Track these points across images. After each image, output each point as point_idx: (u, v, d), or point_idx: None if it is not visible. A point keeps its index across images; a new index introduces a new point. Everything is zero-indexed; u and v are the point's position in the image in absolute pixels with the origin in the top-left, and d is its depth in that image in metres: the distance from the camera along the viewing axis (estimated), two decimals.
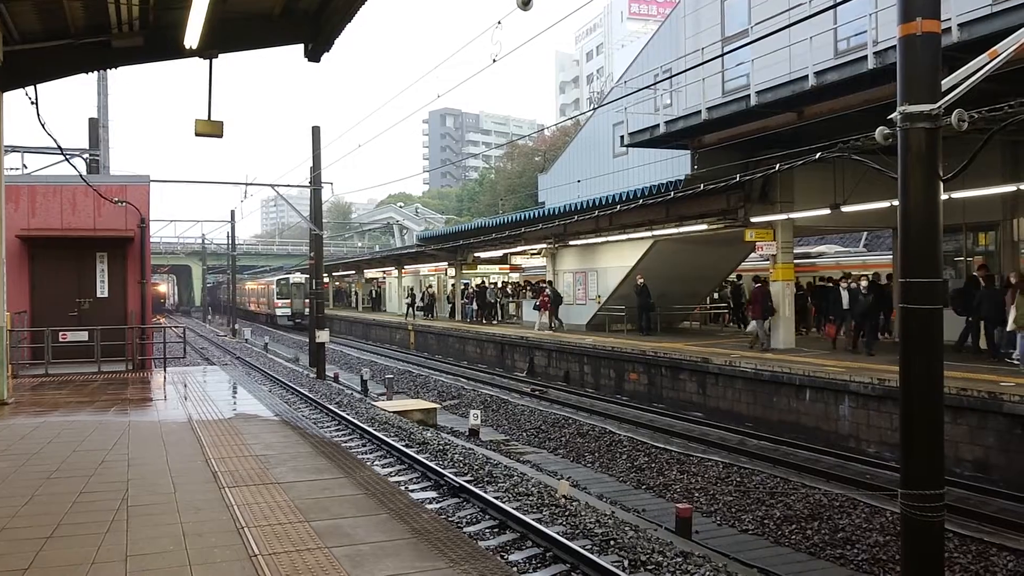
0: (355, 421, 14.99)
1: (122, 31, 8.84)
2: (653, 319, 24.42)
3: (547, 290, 28.21)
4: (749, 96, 16.18)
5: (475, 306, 35.09)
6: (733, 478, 11.80)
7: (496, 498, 9.65)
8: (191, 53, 8.93)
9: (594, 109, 39.44)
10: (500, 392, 21.14)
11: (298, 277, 53.81)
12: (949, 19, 11.44)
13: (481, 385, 22.85)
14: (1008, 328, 14.51)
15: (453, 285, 39.77)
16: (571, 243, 27.59)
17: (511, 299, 36.56)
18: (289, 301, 52.57)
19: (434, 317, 39.29)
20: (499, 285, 39.79)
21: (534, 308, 28.36)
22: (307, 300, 55.08)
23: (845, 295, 18.35)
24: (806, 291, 24.86)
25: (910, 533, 5.37)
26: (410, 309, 41.17)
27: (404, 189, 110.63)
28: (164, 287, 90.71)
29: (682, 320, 27.92)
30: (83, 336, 16.79)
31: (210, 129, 10.46)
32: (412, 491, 10.30)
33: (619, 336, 24.09)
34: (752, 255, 24.67)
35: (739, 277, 27.94)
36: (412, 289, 43.33)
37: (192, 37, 8.23)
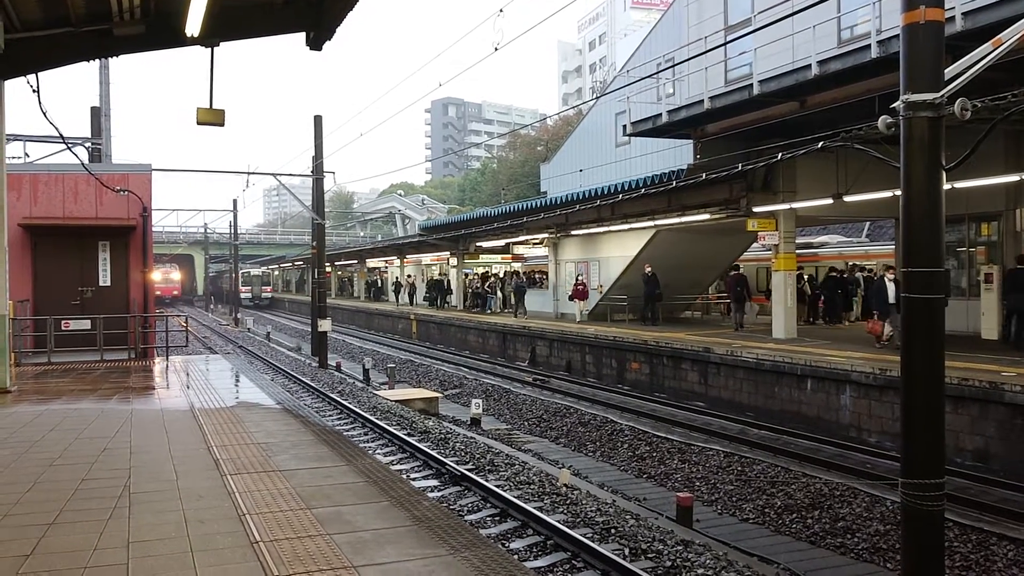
0: (357, 410, 15.03)
1: (123, 19, 8.81)
2: (656, 309, 24.37)
3: (580, 278, 27.10)
4: (752, 85, 16.14)
5: (499, 295, 34.72)
6: (734, 467, 11.82)
7: (497, 486, 9.68)
8: (192, 41, 8.91)
9: (596, 98, 39.36)
10: (502, 381, 21.17)
11: (256, 270, 72.81)
12: (953, 8, 11.41)
13: (483, 374, 22.88)
14: None
15: (427, 274, 41.96)
16: (573, 233, 27.56)
17: (539, 284, 35.91)
18: (250, 288, 69.58)
19: (416, 305, 40.80)
20: (502, 275, 39.77)
21: (569, 299, 27.57)
22: (264, 287, 70.11)
23: (891, 287, 16.55)
24: (815, 281, 24.96)
25: (910, 522, 5.38)
26: (396, 298, 45.50)
27: (406, 179, 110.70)
28: (178, 274, 73.45)
29: (684, 310, 27.91)
30: (85, 324, 16.82)
31: (212, 118, 10.44)
32: (414, 479, 10.33)
33: (621, 326, 24.09)
34: (754, 245, 24.65)
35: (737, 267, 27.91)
36: (398, 279, 46.31)
37: (193, 25, 8.21)
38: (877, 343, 16.78)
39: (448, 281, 40.03)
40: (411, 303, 42.46)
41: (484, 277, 38.53)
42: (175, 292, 71.94)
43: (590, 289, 27.42)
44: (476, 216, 34.35)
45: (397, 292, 45.48)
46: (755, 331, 21.05)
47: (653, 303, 23.97)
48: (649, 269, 23.65)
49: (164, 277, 66.71)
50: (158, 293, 60.62)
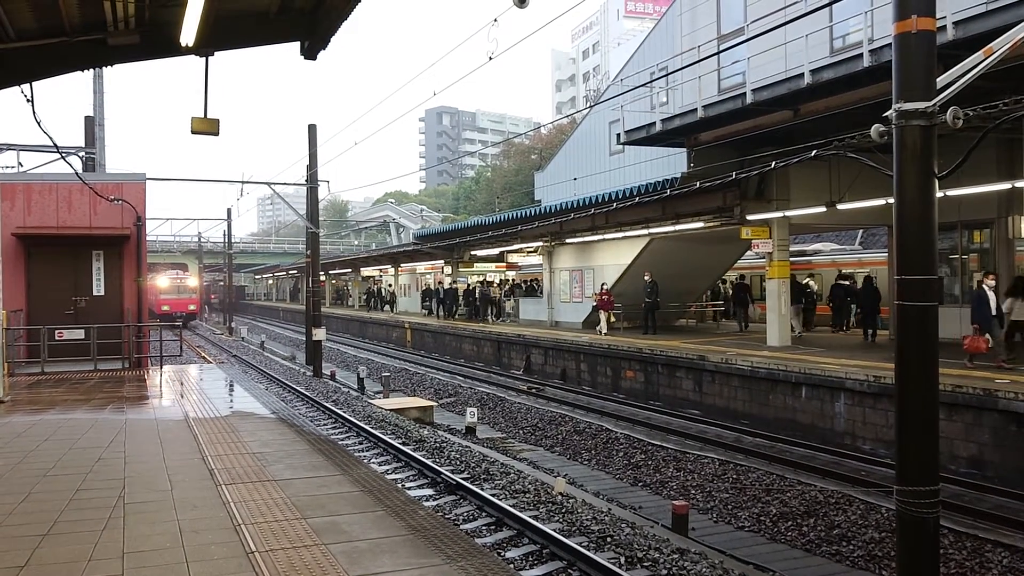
0: (352, 419, 14.99)
1: (118, 29, 8.81)
2: (654, 317, 24.21)
3: (604, 286, 25.00)
4: (745, 94, 16.20)
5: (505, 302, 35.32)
6: (729, 475, 11.82)
7: (493, 495, 9.66)
8: (187, 51, 8.91)
9: (590, 107, 39.47)
10: (497, 390, 21.15)
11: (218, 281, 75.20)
12: (944, 17, 11.48)
13: (478, 383, 22.85)
14: None
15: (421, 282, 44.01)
16: (567, 241, 27.60)
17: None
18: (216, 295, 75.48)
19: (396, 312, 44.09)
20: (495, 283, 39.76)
21: (594, 309, 25.81)
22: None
23: (991, 296, 14.31)
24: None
25: (905, 529, 5.39)
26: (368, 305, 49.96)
27: (401, 187, 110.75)
28: (195, 280, 53.36)
29: (678, 318, 27.95)
30: (79, 334, 16.78)
31: (206, 127, 10.44)
32: (409, 488, 10.31)
33: (616, 333, 24.10)
34: (748, 252, 24.73)
35: (742, 276, 28.01)
36: (371, 288, 50.40)
37: (188, 35, 8.21)
38: (970, 362, 14.06)
39: (448, 289, 38.37)
40: (392, 311, 44.64)
41: (501, 284, 38.81)
42: (191, 307, 51.24)
43: (584, 297, 27.42)
44: (471, 224, 34.36)
45: (369, 301, 48.49)
46: (750, 339, 21.10)
47: (653, 311, 23.84)
48: (648, 277, 23.44)
49: (174, 285, 50.31)
50: (165, 308, 46.96)
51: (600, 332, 24.53)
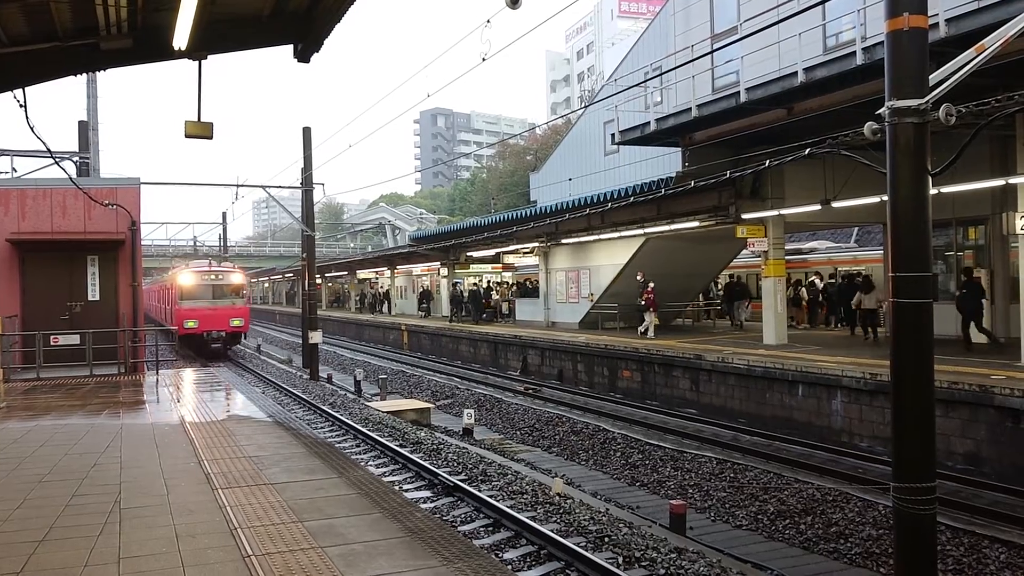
0: (348, 422, 14.98)
1: (111, 33, 8.78)
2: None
3: (650, 286, 22.69)
4: (739, 93, 16.22)
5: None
6: (727, 474, 11.82)
7: (490, 497, 9.66)
8: (180, 55, 8.89)
9: (585, 107, 39.47)
10: (494, 391, 21.13)
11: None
12: (936, 14, 11.49)
13: (475, 384, 22.84)
14: None
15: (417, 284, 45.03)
16: (563, 241, 27.60)
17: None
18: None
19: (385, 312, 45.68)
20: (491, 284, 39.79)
21: (637, 308, 23.65)
22: None
23: None
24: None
25: (903, 526, 5.39)
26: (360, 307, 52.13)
27: (396, 189, 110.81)
28: (239, 276, 31.11)
29: (675, 317, 27.96)
30: (75, 339, 16.75)
31: (200, 130, 10.41)
32: (406, 491, 10.30)
33: (612, 334, 24.09)
34: (743, 251, 24.77)
35: (732, 276, 28.16)
36: (362, 291, 52.83)
37: (181, 39, 8.19)
38: None
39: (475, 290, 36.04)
40: (373, 312, 46.02)
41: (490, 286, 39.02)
42: (236, 322, 30.40)
43: (580, 297, 27.41)
44: (466, 226, 34.34)
45: (362, 302, 50.05)
46: (746, 337, 21.11)
47: (646, 312, 23.71)
48: (641, 277, 23.42)
49: (206, 285, 29.66)
50: (191, 324, 28.83)
51: (646, 335, 22.50)
